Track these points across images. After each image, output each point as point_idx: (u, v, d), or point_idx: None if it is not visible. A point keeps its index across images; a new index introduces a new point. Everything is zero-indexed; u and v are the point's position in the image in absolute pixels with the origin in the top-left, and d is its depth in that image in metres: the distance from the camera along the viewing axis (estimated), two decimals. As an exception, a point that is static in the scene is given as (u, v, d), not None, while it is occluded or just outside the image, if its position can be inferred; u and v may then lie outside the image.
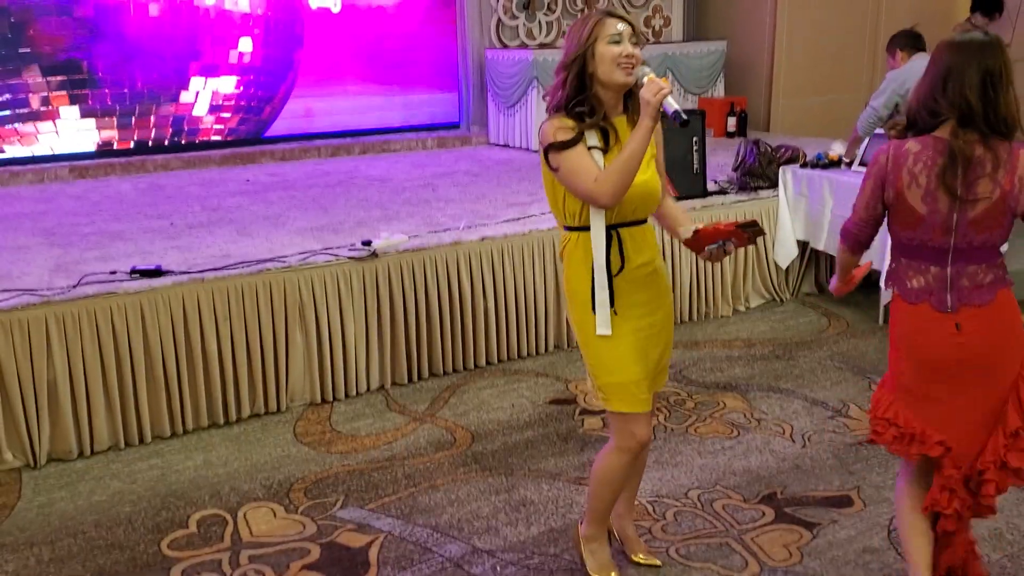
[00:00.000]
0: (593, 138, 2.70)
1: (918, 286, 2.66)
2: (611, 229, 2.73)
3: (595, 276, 2.74)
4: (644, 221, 2.83)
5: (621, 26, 2.67)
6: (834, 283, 3.07)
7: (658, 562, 3.15)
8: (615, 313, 2.76)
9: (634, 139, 2.61)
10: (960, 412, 2.65)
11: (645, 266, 2.81)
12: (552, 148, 2.65)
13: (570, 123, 2.68)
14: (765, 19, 9.44)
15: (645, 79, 2.64)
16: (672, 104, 2.60)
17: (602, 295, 2.75)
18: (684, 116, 2.62)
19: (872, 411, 2.79)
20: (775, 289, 5.99)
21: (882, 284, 5.38)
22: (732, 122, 8.75)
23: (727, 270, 5.78)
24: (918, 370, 2.69)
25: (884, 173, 2.64)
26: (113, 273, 4.29)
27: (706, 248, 2.79)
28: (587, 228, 2.74)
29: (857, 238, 2.78)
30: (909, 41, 5.43)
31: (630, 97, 2.77)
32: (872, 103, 5.45)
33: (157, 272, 4.28)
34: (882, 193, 2.66)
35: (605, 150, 2.71)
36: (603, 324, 2.76)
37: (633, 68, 2.67)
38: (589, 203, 2.69)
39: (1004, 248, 2.68)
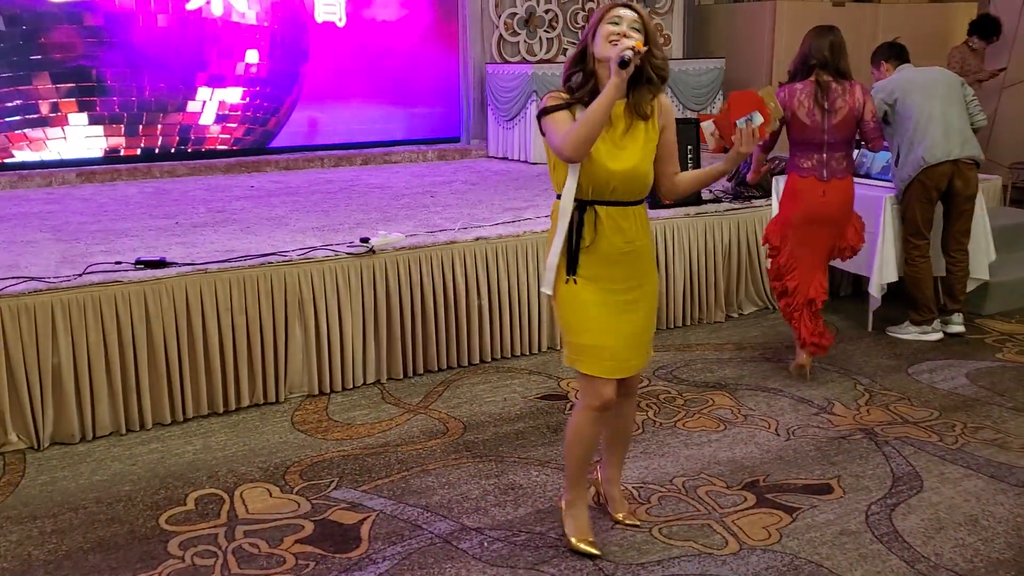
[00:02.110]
0: (581, 112, 2.86)
1: (808, 166, 4.64)
2: (590, 204, 2.92)
3: (556, 240, 2.94)
4: (629, 203, 2.96)
5: (623, 11, 2.87)
6: (750, 175, 5.02)
7: (638, 522, 3.33)
8: (574, 282, 2.95)
9: (601, 95, 2.78)
10: (816, 249, 4.68)
11: (622, 245, 2.96)
12: (542, 113, 2.89)
13: (564, 95, 2.91)
14: (764, 38, 9.64)
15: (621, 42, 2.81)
16: (626, 54, 2.75)
17: (553, 259, 2.97)
18: (625, 59, 2.74)
19: (766, 238, 4.85)
20: (767, 296, 6.10)
21: (873, 291, 5.50)
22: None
23: (720, 277, 5.89)
24: (800, 217, 4.64)
25: (784, 103, 4.57)
26: (118, 263, 4.42)
27: (736, 124, 3.03)
28: None
29: (767, 145, 4.76)
30: (893, 53, 5.55)
31: (635, 85, 2.90)
32: None
33: (161, 263, 4.40)
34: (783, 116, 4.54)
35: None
36: (547, 284, 3.01)
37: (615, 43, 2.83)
38: (559, 157, 2.87)
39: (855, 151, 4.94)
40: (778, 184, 6.09)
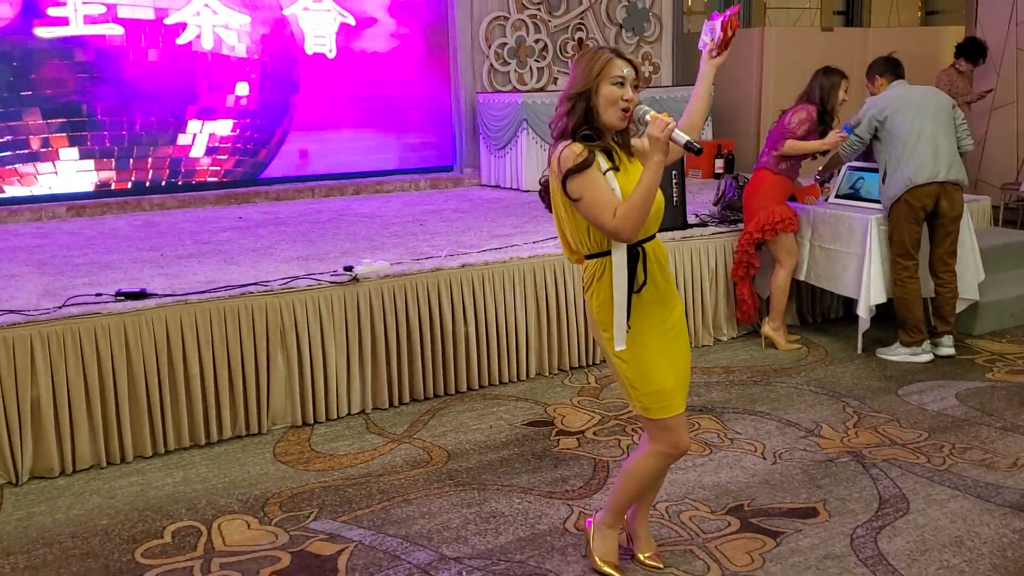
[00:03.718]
0: (603, 161, 2.82)
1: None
2: (637, 246, 2.86)
3: (615, 295, 2.84)
4: (655, 235, 2.95)
5: (627, 70, 2.81)
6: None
7: (660, 565, 3.21)
8: (628, 327, 2.88)
9: (647, 174, 2.72)
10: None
11: (662, 275, 2.93)
12: (571, 173, 2.76)
13: (580, 147, 2.79)
14: (753, 63, 9.66)
15: (648, 116, 2.75)
16: (682, 136, 2.72)
17: (620, 315, 2.86)
18: (697, 146, 2.72)
19: None
20: (756, 319, 6.06)
21: (861, 313, 5.47)
22: (720, 164, 8.91)
23: (707, 301, 5.87)
24: None
25: None
26: (99, 295, 4.40)
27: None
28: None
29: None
30: (888, 68, 5.55)
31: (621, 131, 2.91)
32: (850, 131, 5.55)
33: (142, 295, 4.38)
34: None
35: (616, 168, 2.83)
36: (620, 340, 2.88)
37: (629, 111, 2.81)
38: (612, 238, 2.81)
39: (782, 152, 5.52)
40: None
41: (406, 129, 9.24)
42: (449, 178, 9.18)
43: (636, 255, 2.85)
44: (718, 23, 3.05)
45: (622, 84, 2.79)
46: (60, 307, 4.22)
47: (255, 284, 4.62)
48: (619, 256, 2.84)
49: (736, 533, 3.45)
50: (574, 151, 2.77)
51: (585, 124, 2.82)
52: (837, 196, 5.88)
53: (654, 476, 3.06)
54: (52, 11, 7.49)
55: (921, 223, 5.33)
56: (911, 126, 5.25)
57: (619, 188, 2.79)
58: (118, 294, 4.39)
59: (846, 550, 3.30)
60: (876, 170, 5.68)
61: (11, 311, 4.16)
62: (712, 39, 3.05)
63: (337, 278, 4.74)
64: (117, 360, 4.20)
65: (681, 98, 9.15)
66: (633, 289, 2.86)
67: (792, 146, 5.42)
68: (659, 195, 2.87)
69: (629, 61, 2.83)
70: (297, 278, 4.75)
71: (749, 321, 5.90)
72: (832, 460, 4.08)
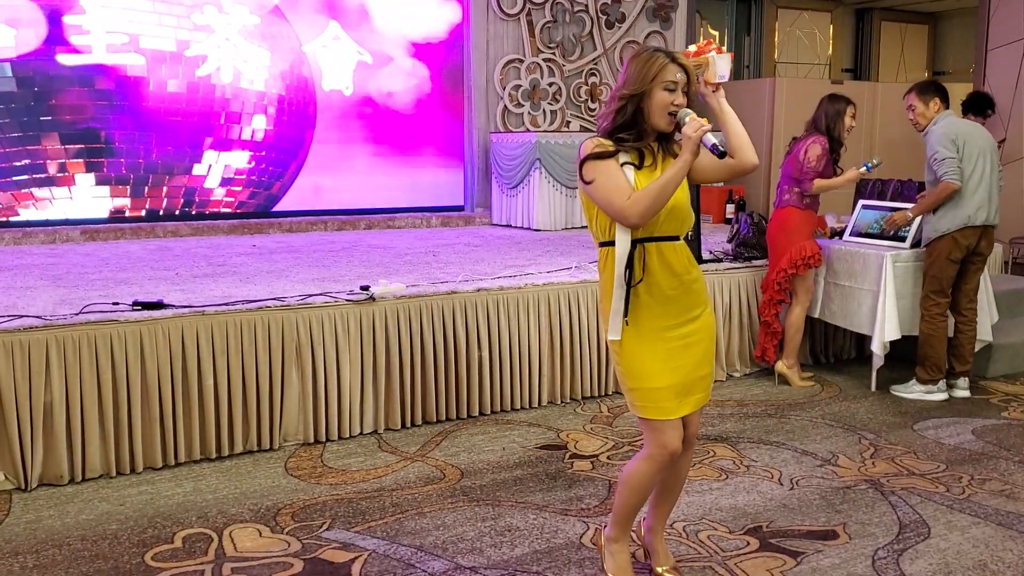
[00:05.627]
0: (626, 156, 2.85)
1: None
2: (637, 243, 2.85)
3: (615, 284, 2.86)
4: (674, 238, 2.91)
5: (679, 75, 2.83)
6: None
7: None
8: (627, 324, 2.87)
9: (673, 168, 2.76)
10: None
11: (672, 279, 2.88)
12: (588, 159, 2.83)
13: (608, 143, 2.86)
14: (764, 113, 9.76)
15: (688, 119, 2.78)
16: (711, 139, 2.75)
17: (617, 304, 2.88)
18: (721, 148, 2.75)
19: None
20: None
21: (876, 349, 5.45)
22: (731, 209, 8.94)
23: (720, 336, 5.85)
24: None
25: None
26: (116, 304, 4.39)
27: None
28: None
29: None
30: (940, 94, 5.40)
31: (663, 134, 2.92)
32: (943, 157, 5.16)
33: (159, 305, 4.37)
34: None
35: (638, 166, 2.86)
36: (613, 330, 2.90)
37: (676, 116, 2.82)
38: (618, 221, 2.82)
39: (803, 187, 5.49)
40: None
41: (419, 167, 9.31)
42: (460, 216, 9.23)
43: (633, 250, 2.85)
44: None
45: (674, 90, 2.81)
46: (77, 313, 4.21)
47: (272, 299, 4.61)
48: (621, 246, 2.85)
49: (755, 552, 3.40)
50: (593, 142, 2.86)
51: (631, 125, 2.85)
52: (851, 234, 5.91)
53: (648, 482, 2.98)
54: (75, 39, 7.60)
55: (959, 262, 5.30)
56: (976, 164, 5.18)
57: (635, 182, 2.81)
58: (135, 304, 4.38)
59: (868, 571, 3.24)
60: (877, 208, 5.71)
61: (27, 315, 4.15)
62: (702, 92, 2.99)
63: (354, 296, 4.73)
64: (132, 369, 4.18)
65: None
66: (629, 283, 2.86)
67: (820, 185, 5.41)
68: (685, 198, 2.89)
69: (682, 66, 2.84)
70: (313, 295, 4.74)
71: (771, 360, 5.73)
72: (850, 487, 4.03)
